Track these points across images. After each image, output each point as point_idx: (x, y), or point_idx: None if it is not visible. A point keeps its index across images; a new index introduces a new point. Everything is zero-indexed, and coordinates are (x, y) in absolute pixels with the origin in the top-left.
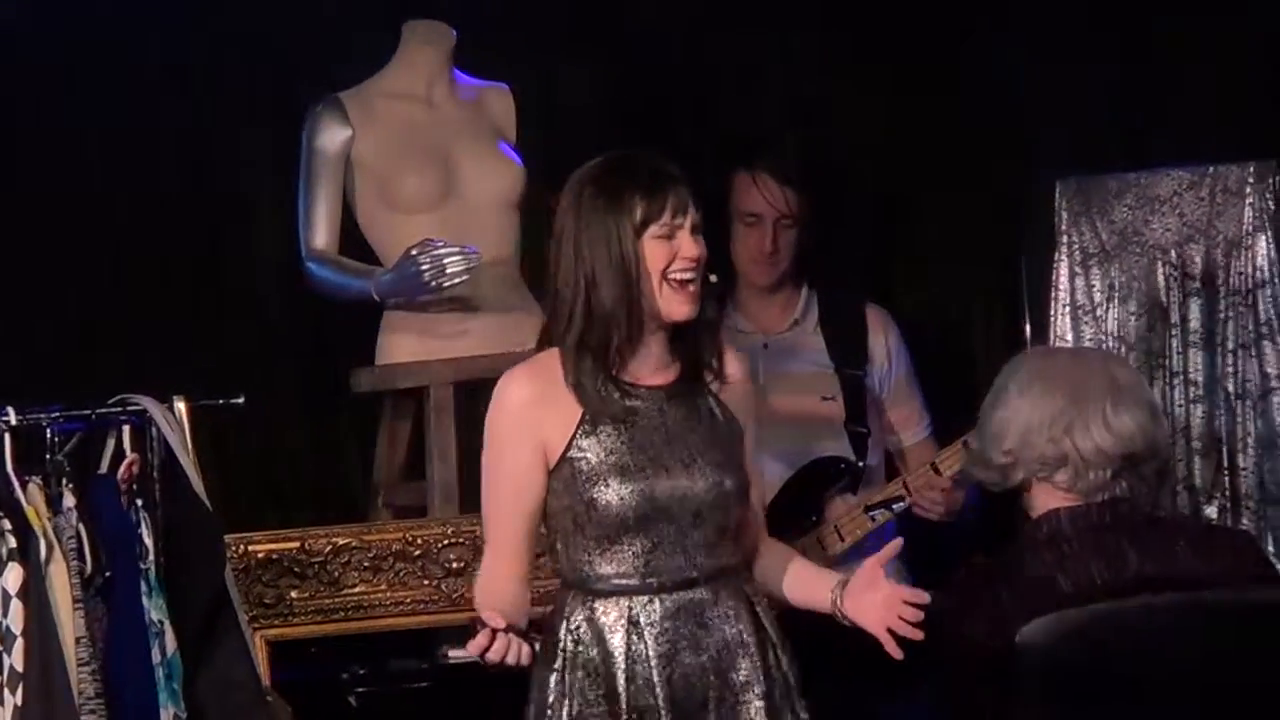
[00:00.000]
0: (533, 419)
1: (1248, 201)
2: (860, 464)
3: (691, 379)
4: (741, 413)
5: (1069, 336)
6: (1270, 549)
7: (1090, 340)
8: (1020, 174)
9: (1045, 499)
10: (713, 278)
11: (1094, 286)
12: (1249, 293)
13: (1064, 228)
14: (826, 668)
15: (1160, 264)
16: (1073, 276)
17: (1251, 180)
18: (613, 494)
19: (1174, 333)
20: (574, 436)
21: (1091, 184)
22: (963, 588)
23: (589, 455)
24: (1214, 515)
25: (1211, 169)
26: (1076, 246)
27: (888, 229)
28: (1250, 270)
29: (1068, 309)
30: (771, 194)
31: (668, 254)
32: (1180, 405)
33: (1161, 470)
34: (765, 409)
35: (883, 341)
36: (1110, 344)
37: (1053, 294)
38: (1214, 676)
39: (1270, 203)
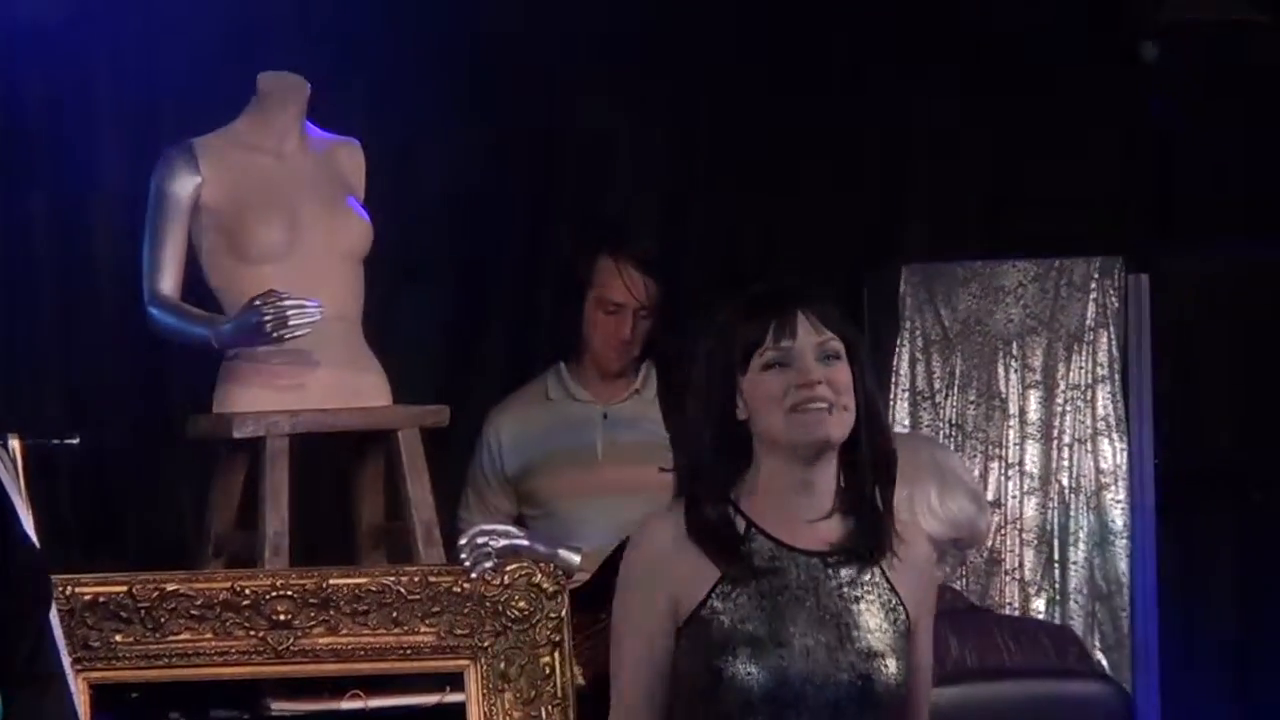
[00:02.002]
0: (669, 565)
1: (1091, 296)
2: None
3: (859, 550)
4: (914, 602)
5: (907, 422)
6: (1097, 644)
7: (928, 427)
8: (866, 258)
9: None
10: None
11: (934, 373)
12: (1088, 388)
13: (908, 313)
14: None
15: (1002, 354)
16: (914, 362)
17: (1096, 275)
18: (739, 667)
19: (1012, 424)
20: (711, 592)
21: (937, 271)
22: None
23: (723, 617)
24: (1042, 608)
25: (1057, 262)
26: (919, 333)
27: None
28: (1091, 365)
29: (907, 394)
30: (634, 285)
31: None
32: (1014, 496)
33: (993, 559)
34: (603, 479)
35: None
36: (948, 432)
37: (893, 379)
38: None
39: (1114, 299)
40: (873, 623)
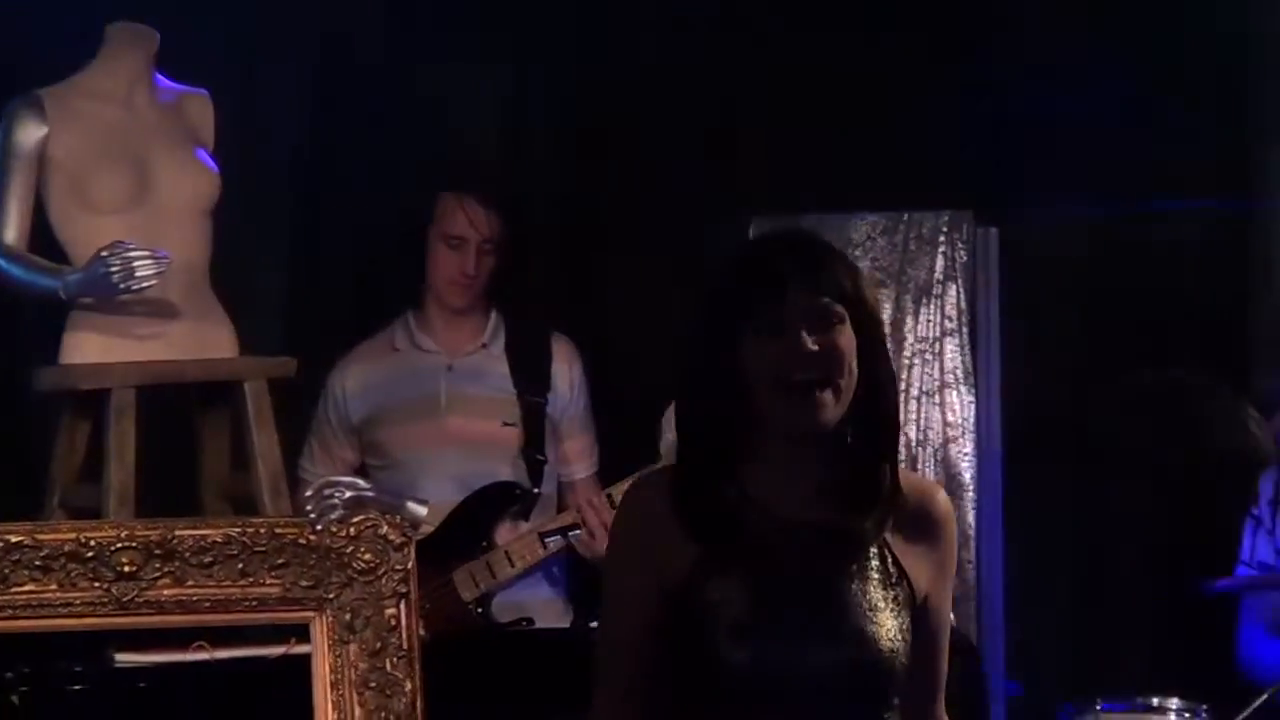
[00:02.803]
0: (658, 533)
1: (940, 250)
2: (535, 490)
3: (857, 520)
4: (924, 571)
5: None
6: None
7: None
8: (716, 213)
9: None
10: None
11: None
12: (936, 341)
13: None
14: None
15: None
16: None
17: (945, 229)
18: (722, 650)
19: None
20: (696, 568)
21: (786, 225)
22: None
23: (708, 595)
24: None
25: (906, 215)
26: None
27: (580, 261)
28: (939, 319)
29: None
30: (476, 218)
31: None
32: None
33: None
34: (446, 431)
35: (566, 371)
36: None
37: None
38: None
39: (963, 252)
40: (868, 601)
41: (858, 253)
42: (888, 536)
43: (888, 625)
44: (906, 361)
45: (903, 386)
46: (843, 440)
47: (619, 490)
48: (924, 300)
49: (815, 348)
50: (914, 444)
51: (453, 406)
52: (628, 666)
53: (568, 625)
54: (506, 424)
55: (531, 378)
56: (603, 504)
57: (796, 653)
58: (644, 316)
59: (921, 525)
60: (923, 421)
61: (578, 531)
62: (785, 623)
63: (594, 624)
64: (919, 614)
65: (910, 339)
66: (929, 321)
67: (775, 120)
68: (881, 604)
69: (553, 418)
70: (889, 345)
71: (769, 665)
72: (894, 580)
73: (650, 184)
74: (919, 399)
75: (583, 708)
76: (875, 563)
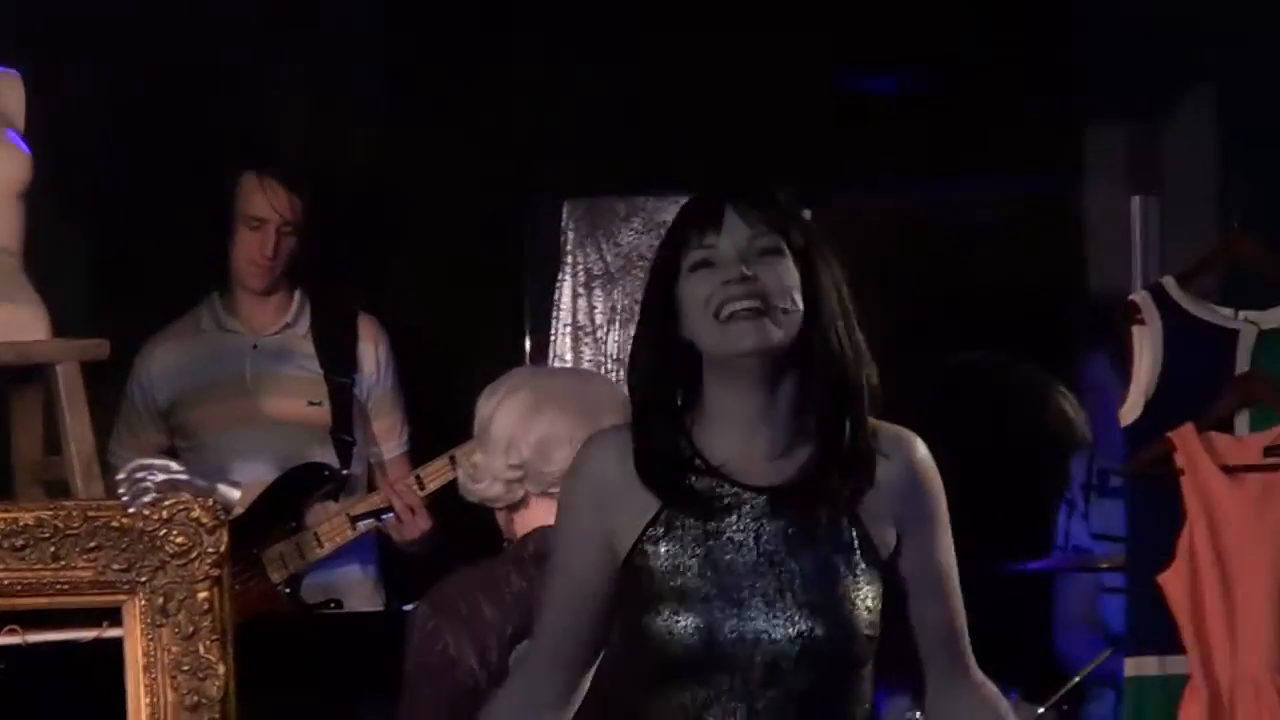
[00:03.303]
0: (610, 494)
1: None
2: (344, 471)
3: (819, 486)
4: (890, 524)
5: (569, 357)
6: None
7: (590, 362)
8: (529, 193)
9: (539, 516)
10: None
11: (596, 308)
12: None
13: (569, 248)
14: None
15: None
16: (575, 297)
17: None
18: (663, 622)
19: None
20: (643, 534)
21: (599, 206)
22: (442, 599)
23: (653, 563)
24: None
25: None
26: (581, 268)
27: (389, 240)
28: None
29: (569, 329)
30: (277, 199)
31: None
32: None
33: None
34: (253, 411)
35: (373, 351)
36: (610, 366)
37: (554, 314)
38: None
39: None
40: (821, 569)
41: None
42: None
43: (842, 596)
44: None
45: None
46: (800, 396)
47: (428, 471)
48: None
49: (749, 274)
50: None
51: (258, 386)
52: (570, 637)
53: (378, 607)
54: (312, 403)
55: (337, 357)
56: (411, 486)
57: (749, 624)
58: (451, 296)
59: (895, 479)
60: None
61: (389, 514)
62: (738, 591)
63: (406, 607)
64: (897, 574)
65: None
66: None
67: (588, 102)
68: (837, 572)
69: (360, 398)
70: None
71: (711, 644)
72: (848, 542)
73: (459, 165)
74: None
75: (394, 690)
76: (832, 526)
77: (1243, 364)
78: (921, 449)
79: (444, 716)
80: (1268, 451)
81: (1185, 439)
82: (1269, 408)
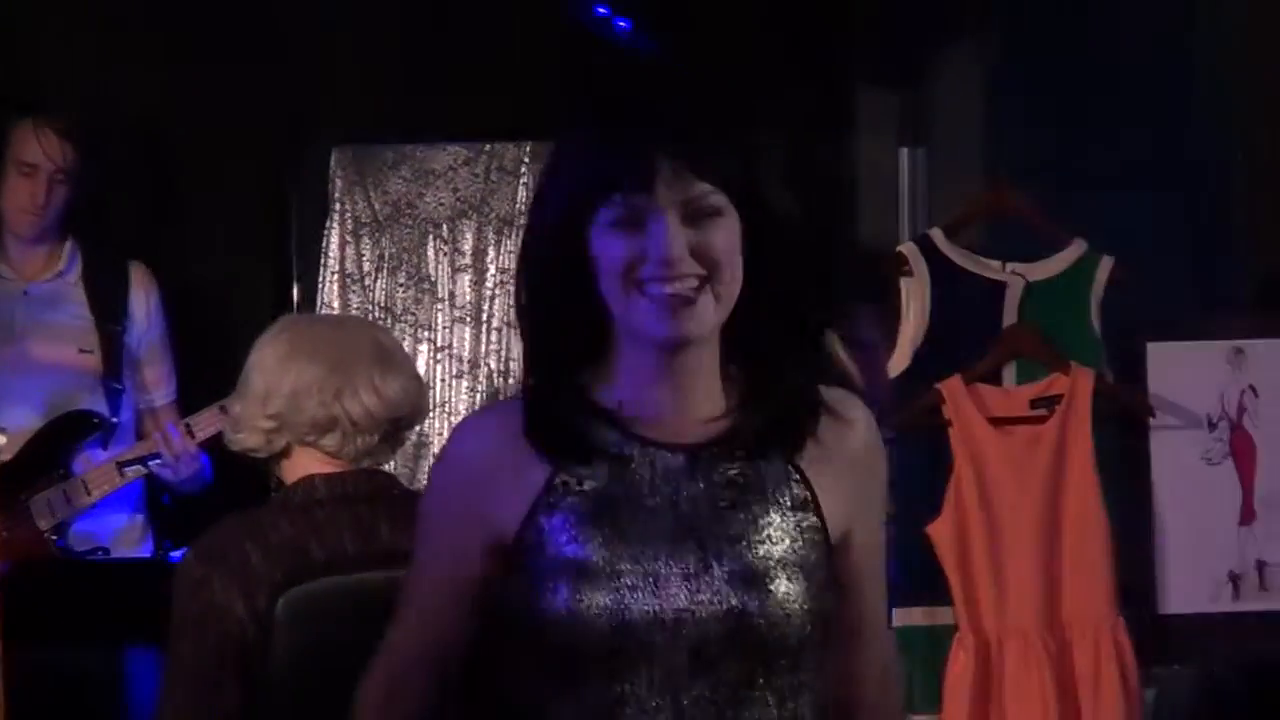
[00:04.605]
0: (486, 474)
1: (522, 181)
2: (114, 419)
3: (747, 436)
4: (845, 504)
5: (336, 304)
6: None
7: (357, 309)
8: (294, 138)
9: (304, 464)
10: None
11: (364, 256)
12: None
13: (337, 195)
14: None
15: (432, 237)
16: (343, 245)
17: (527, 160)
18: (562, 604)
19: (441, 307)
20: (534, 508)
21: (367, 154)
22: (210, 547)
23: (547, 539)
24: None
25: (488, 146)
26: (349, 215)
27: (161, 189)
28: (521, 250)
29: (337, 277)
30: (50, 146)
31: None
32: (443, 380)
33: (421, 442)
34: (22, 356)
35: (144, 299)
36: (378, 314)
37: (322, 261)
38: None
39: None
40: (761, 534)
41: (440, 183)
42: (797, 460)
43: (792, 565)
44: (489, 293)
45: (484, 318)
46: (735, 352)
47: (198, 420)
48: (505, 231)
49: (682, 253)
50: (495, 374)
51: (29, 332)
52: (431, 629)
53: (146, 555)
54: (83, 351)
55: (108, 305)
56: (181, 432)
57: (668, 602)
58: (224, 245)
59: (857, 449)
60: (504, 352)
61: (156, 460)
62: (652, 563)
63: (174, 554)
64: (837, 554)
65: (492, 270)
66: (510, 253)
67: (360, 48)
68: (782, 536)
69: (130, 346)
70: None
71: (621, 628)
72: (799, 503)
73: (230, 114)
74: (500, 330)
75: (162, 637)
76: (776, 485)
77: (1010, 316)
78: (868, 417)
79: (211, 663)
80: (1034, 403)
81: (953, 390)
82: (1035, 360)
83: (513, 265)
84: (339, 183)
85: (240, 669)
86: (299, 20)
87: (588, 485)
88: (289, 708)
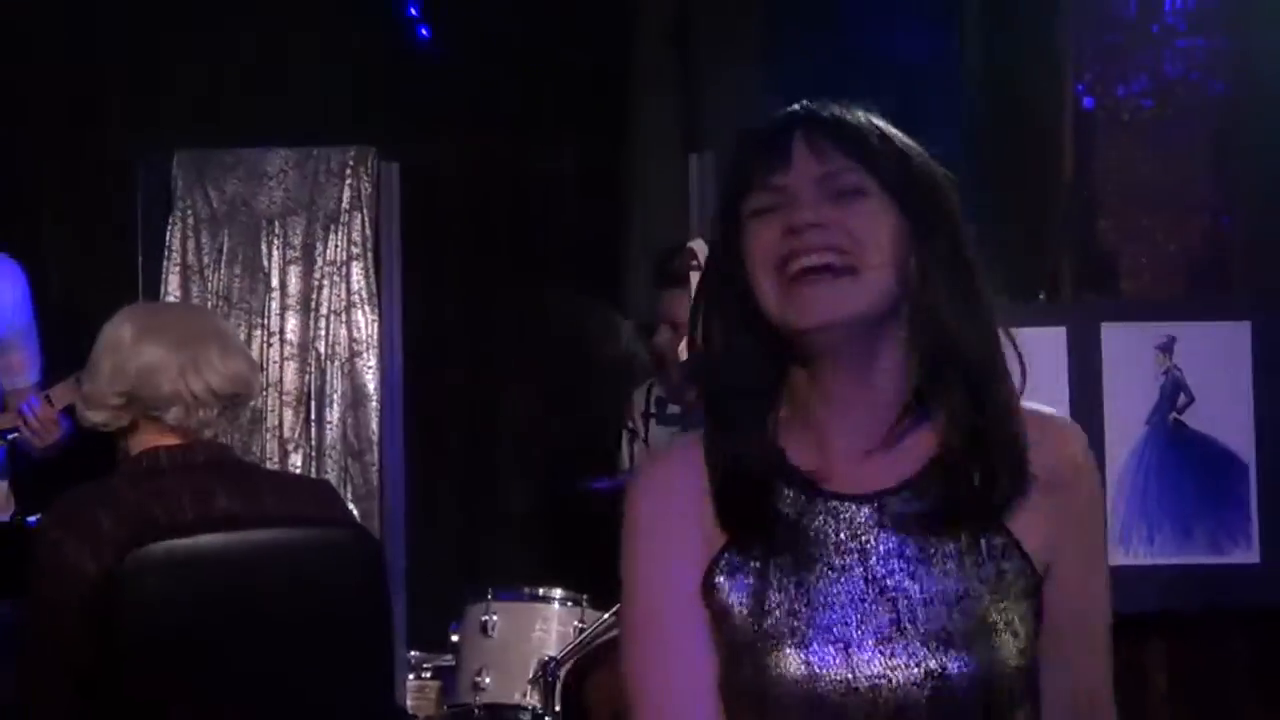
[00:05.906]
0: (676, 517)
1: (347, 182)
2: None
3: (946, 484)
4: (1052, 537)
5: (178, 294)
6: (350, 495)
7: (198, 298)
8: (143, 144)
9: (149, 438)
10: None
11: (204, 249)
12: (344, 264)
13: (180, 194)
14: None
15: (265, 232)
16: (185, 239)
17: (351, 163)
18: (745, 675)
19: (274, 296)
20: (714, 565)
21: (206, 156)
22: (64, 512)
23: (729, 600)
24: (299, 463)
25: (316, 150)
26: (190, 212)
27: (26, 185)
28: (346, 244)
29: (179, 269)
30: None
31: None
32: (275, 362)
33: (255, 418)
34: None
35: (10, 290)
36: (216, 303)
37: (165, 255)
38: (294, 604)
39: (368, 184)
40: (957, 590)
41: (272, 183)
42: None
43: (991, 618)
44: (317, 283)
45: (313, 306)
46: (907, 373)
47: (56, 391)
48: (333, 227)
49: (817, 221)
50: (323, 358)
51: None
52: (681, 667)
53: (6, 518)
54: None
55: None
56: (42, 401)
57: (862, 669)
58: (78, 240)
59: (1047, 477)
60: (331, 338)
61: (15, 434)
62: (835, 634)
63: (31, 518)
64: (1045, 595)
65: (320, 262)
66: (337, 247)
67: (197, 59)
68: (982, 591)
69: None
70: (300, 265)
71: (812, 698)
72: (1000, 550)
73: (85, 119)
74: (328, 317)
75: (20, 595)
76: (973, 534)
77: None
78: (1083, 440)
79: (65, 620)
80: None
81: None
82: None
83: (340, 258)
84: (180, 182)
85: (92, 624)
86: (144, 33)
87: (769, 549)
88: (136, 659)
